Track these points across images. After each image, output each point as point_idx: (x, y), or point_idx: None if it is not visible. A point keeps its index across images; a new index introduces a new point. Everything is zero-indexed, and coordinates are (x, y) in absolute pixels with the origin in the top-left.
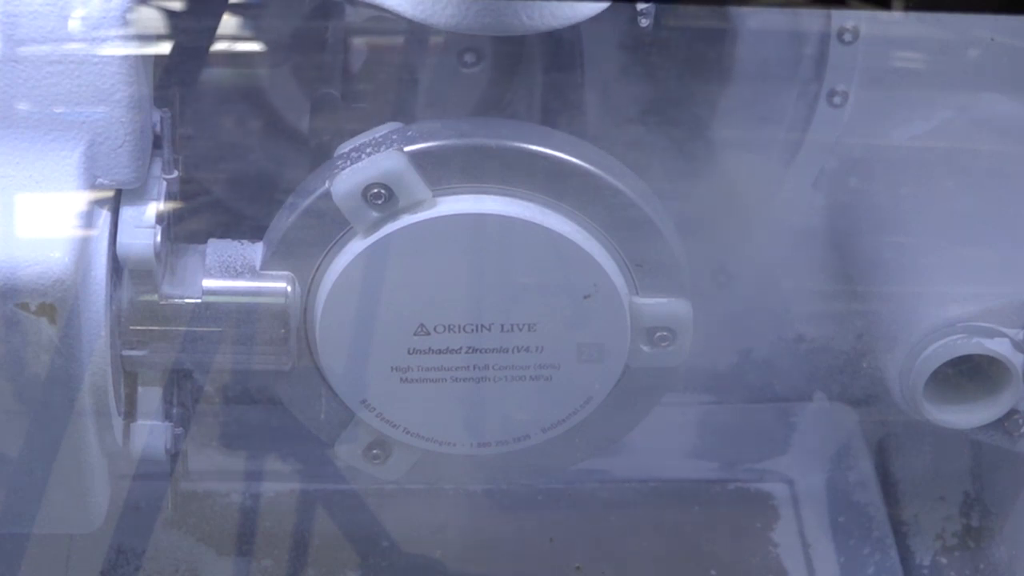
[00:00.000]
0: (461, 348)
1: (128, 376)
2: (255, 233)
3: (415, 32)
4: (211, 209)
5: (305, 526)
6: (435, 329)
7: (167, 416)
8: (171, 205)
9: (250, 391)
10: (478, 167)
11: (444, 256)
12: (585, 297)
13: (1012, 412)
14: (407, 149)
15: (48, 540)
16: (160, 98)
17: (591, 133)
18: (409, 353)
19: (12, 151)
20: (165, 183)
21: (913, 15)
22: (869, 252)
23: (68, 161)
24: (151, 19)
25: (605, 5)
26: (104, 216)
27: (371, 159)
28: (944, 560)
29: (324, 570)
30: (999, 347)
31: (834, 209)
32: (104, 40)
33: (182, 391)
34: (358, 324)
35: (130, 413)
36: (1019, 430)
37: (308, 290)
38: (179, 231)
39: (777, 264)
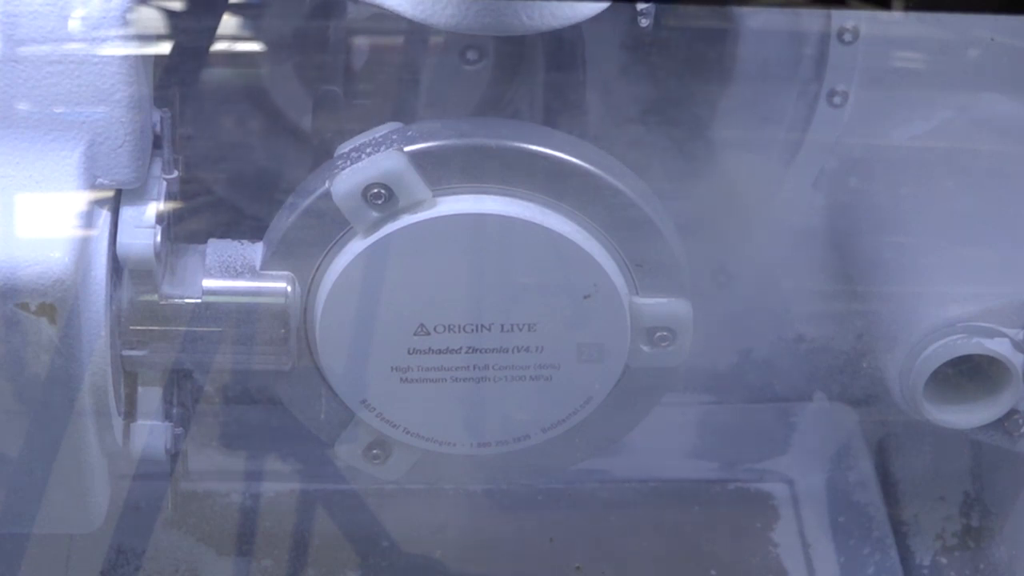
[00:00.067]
0: (461, 348)
1: (128, 376)
2: (255, 233)
3: (417, 30)
4: (211, 209)
5: (305, 526)
6: (435, 329)
7: (167, 416)
8: (171, 205)
9: (250, 391)
10: (478, 167)
11: (444, 256)
12: (585, 297)
13: (1012, 412)
14: (407, 149)
15: (48, 540)
16: (160, 98)
17: (592, 131)
18: (409, 353)
19: (12, 151)
20: (165, 183)
21: (913, 15)
22: (869, 252)
23: (68, 161)
24: (151, 19)
25: (605, 5)
26: (104, 216)
27: (371, 159)
28: (944, 560)
29: (324, 570)
30: (999, 347)
31: (834, 209)
32: (104, 40)
33: (182, 391)
34: (358, 324)
35: (130, 413)
36: (1019, 430)
37: (308, 290)
38: (179, 231)
39: (777, 264)
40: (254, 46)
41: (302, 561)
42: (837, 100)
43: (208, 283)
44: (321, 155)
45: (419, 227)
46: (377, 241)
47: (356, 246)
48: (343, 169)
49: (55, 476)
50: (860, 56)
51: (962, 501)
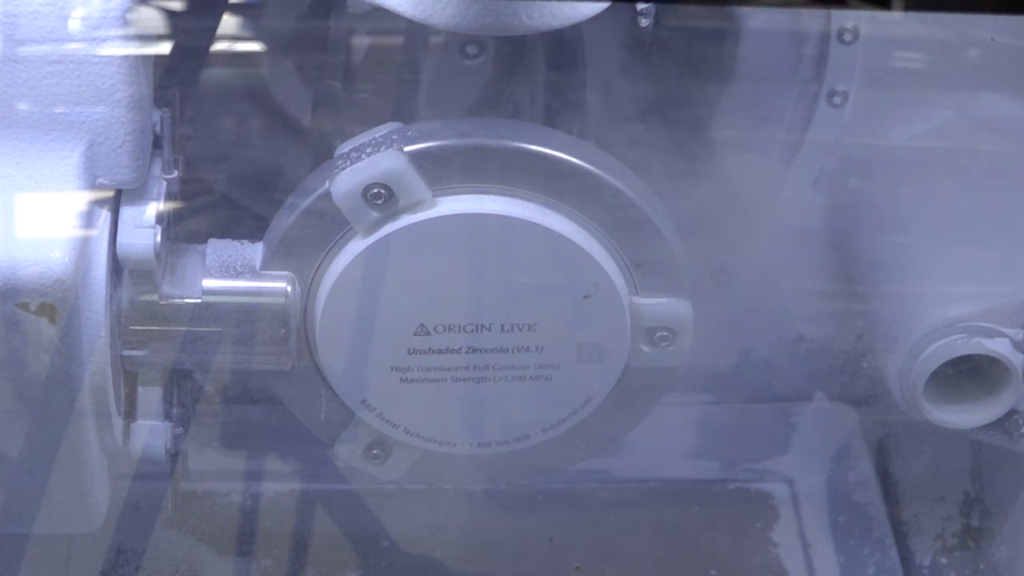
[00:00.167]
0: (461, 348)
1: (128, 376)
2: (256, 233)
3: (417, 25)
4: (212, 209)
5: (305, 526)
6: (435, 329)
7: (167, 416)
8: (171, 205)
9: (250, 391)
10: (478, 167)
11: (444, 256)
12: (585, 297)
13: (1012, 412)
14: (407, 149)
15: (48, 540)
16: (160, 98)
17: (593, 126)
18: (409, 353)
19: (12, 151)
20: (165, 183)
21: (913, 15)
22: (869, 252)
23: (68, 161)
24: (151, 19)
25: (605, 5)
26: (104, 216)
27: (371, 159)
28: (944, 560)
29: (324, 570)
30: (999, 347)
31: (834, 209)
32: (104, 40)
33: (182, 391)
34: (358, 324)
35: (130, 413)
36: (1019, 430)
37: (308, 290)
38: (179, 231)
39: (777, 264)
40: (254, 46)
41: (302, 561)
42: (837, 100)
43: (208, 283)
44: (321, 149)
45: (419, 227)
46: (377, 241)
47: (356, 246)
48: (343, 169)
49: (55, 476)
50: (860, 56)
51: (962, 501)
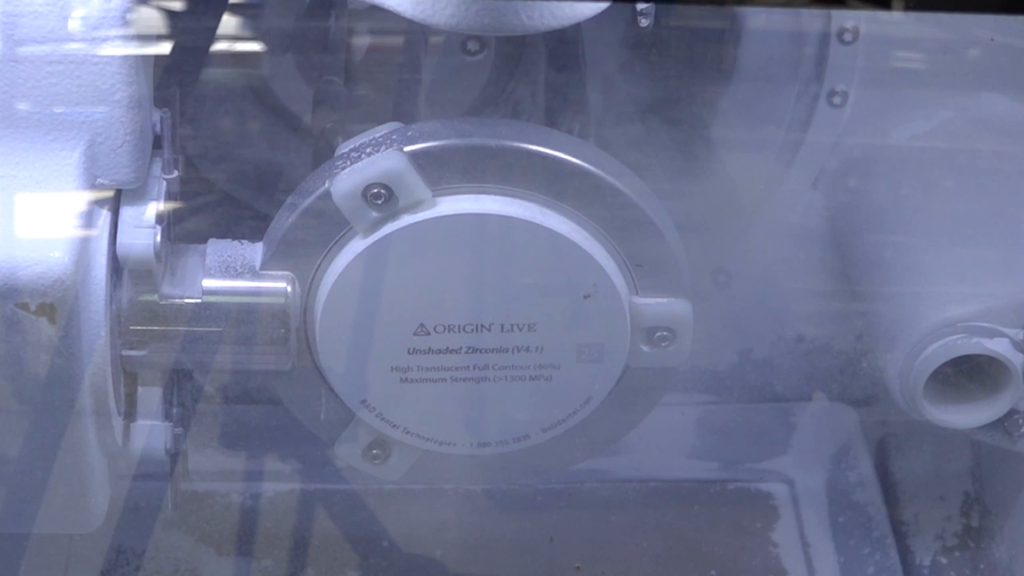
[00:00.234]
0: (461, 348)
1: (128, 376)
2: (256, 233)
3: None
4: (212, 209)
5: (305, 526)
6: (435, 329)
7: (167, 416)
8: (171, 205)
9: (250, 391)
10: (478, 167)
11: (444, 256)
12: (585, 297)
13: (1012, 412)
14: (407, 149)
15: (48, 540)
16: (160, 98)
17: (593, 125)
18: (409, 353)
19: (12, 151)
20: (165, 183)
21: (913, 15)
22: (869, 252)
23: (68, 161)
24: (151, 19)
25: (605, 5)
26: (104, 216)
27: (371, 159)
28: (944, 560)
29: (324, 570)
30: (999, 347)
31: (834, 209)
32: (104, 40)
33: (182, 391)
34: (358, 324)
35: (130, 413)
36: (1019, 430)
37: (308, 290)
38: (179, 231)
39: (777, 264)
40: (254, 45)
41: (302, 561)
42: (837, 100)
43: (208, 283)
44: (323, 146)
45: (419, 227)
46: (377, 241)
47: (356, 246)
48: (343, 169)
49: (55, 476)
50: (860, 56)
51: (962, 501)
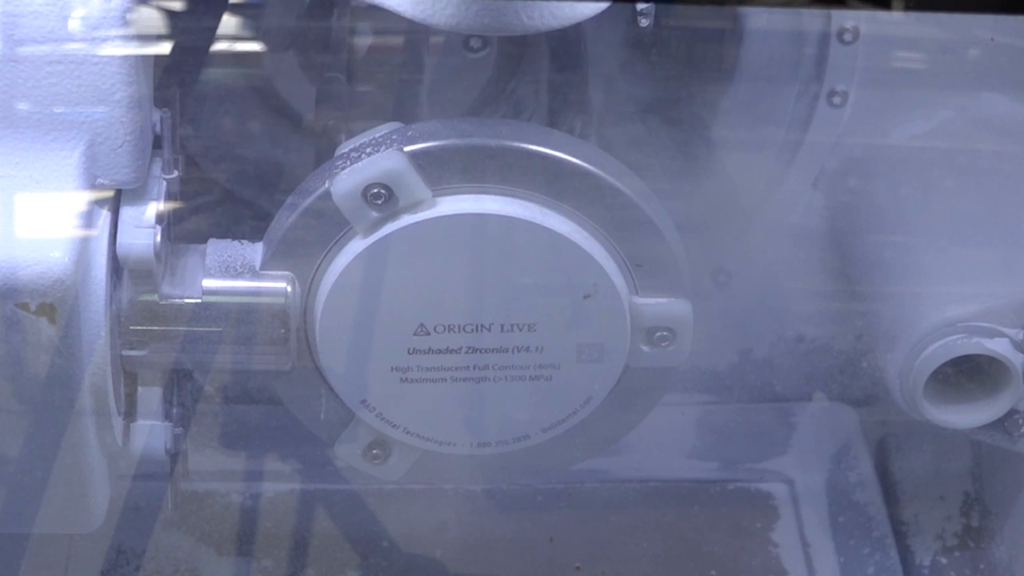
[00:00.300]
0: (461, 348)
1: (128, 376)
2: (256, 232)
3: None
4: (212, 208)
5: (305, 526)
6: (435, 329)
7: (167, 416)
8: (171, 205)
9: (250, 391)
10: (478, 167)
11: (444, 256)
12: (585, 297)
13: (1012, 412)
14: (407, 149)
15: (48, 540)
16: (160, 98)
17: (595, 123)
18: (409, 353)
19: (12, 151)
20: (165, 183)
21: (913, 15)
22: (869, 252)
23: (68, 161)
24: (151, 19)
25: (605, 5)
26: (104, 216)
27: (371, 159)
28: (944, 560)
29: (324, 570)
30: (999, 347)
31: (834, 209)
32: (104, 40)
33: (182, 391)
34: (358, 324)
35: (130, 413)
36: (1019, 430)
37: (308, 290)
38: (180, 231)
39: (777, 264)
40: (255, 44)
41: (302, 561)
42: (837, 100)
43: (208, 283)
44: (326, 143)
45: (419, 227)
46: (377, 241)
47: (356, 246)
48: (343, 169)
49: (55, 476)
50: (860, 56)
51: (962, 501)
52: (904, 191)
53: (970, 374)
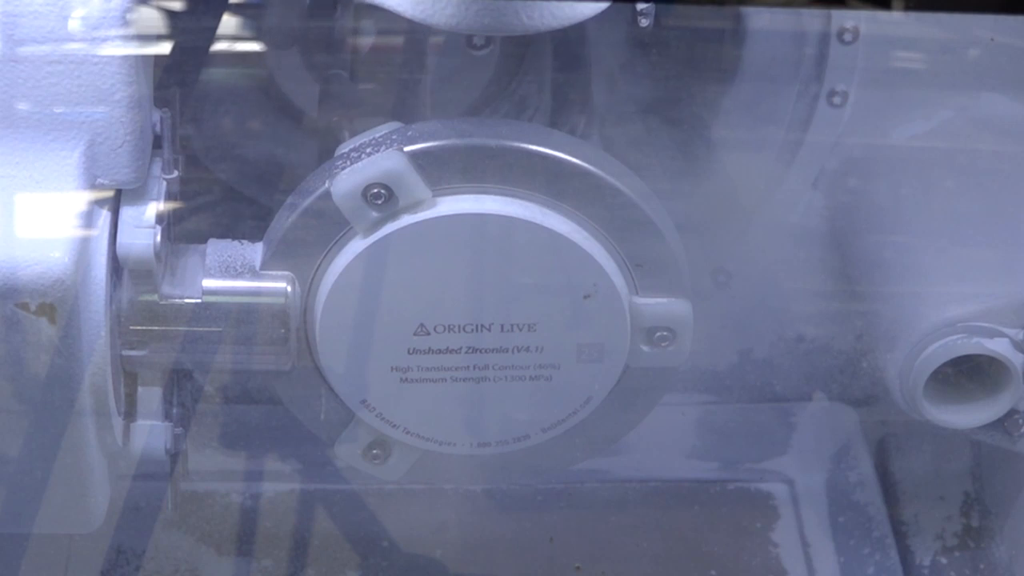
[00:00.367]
0: (461, 348)
1: (128, 376)
2: (256, 232)
3: None
4: (212, 208)
5: (305, 526)
6: (435, 329)
7: (167, 416)
8: (171, 205)
9: (250, 391)
10: (478, 167)
11: (444, 256)
12: (585, 297)
13: (1012, 412)
14: (407, 149)
15: (48, 540)
16: (160, 98)
17: (598, 120)
18: (409, 353)
19: (12, 151)
20: (165, 183)
21: (913, 15)
22: (869, 252)
23: (68, 161)
24: (151, 19)
25: (605, 5)
26: (104, 216)
27: (371, 159)
28: (944, 560)
29: (324, 570)
30: (999, 347)
31: (834, 209)
32: (104, 40)
33: (182, 391)
34: (358, 324)
35: (130, 413)
36: (1019, 430)
37: (308, 290)
38: (181, 230)
39: (777, 264)
40: (255, 44)
41: (302, 561)
42: (837, 100)
43: (208, 283)
44: (330, 140)
45: (419, 227)
46: (377, 241)
47: (356, 246)
48: (343, 169)
49: (55, 476)
50: (860, 56)
51: (962, 501)
52: (904, 191)
53: (970, 374)
